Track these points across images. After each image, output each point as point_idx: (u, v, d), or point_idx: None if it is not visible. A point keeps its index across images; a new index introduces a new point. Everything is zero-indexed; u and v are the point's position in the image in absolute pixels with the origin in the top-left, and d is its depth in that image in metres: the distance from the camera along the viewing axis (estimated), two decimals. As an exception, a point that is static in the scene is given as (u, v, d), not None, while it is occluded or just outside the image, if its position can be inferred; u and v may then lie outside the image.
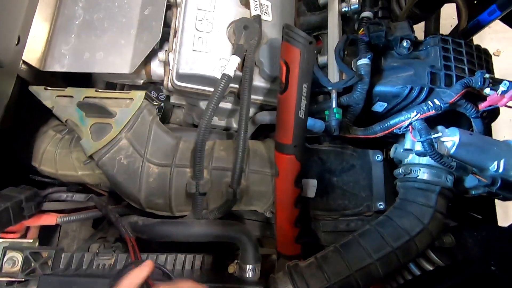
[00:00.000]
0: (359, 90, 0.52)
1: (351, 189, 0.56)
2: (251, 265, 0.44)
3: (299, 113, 0.39)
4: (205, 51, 0.46)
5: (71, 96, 0.50)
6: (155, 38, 0.52)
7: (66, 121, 0.49)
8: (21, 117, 0.55)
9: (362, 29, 0.57)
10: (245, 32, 0.46)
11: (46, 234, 0.60)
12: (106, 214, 0.52)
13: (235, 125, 0.62)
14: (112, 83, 0.64)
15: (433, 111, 0.47)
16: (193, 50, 0.46)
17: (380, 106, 0.56)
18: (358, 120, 0.58)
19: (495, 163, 0.44)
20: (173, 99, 0.62)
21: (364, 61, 0.51)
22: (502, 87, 0.43)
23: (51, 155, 0.59)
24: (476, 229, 0.50)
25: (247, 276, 0.44)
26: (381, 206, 0.56)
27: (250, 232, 0.46)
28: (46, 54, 0.55)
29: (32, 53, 0.52)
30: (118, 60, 0.54)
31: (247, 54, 0.46)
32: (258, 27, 0.47)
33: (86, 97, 0.50)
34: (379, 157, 0.58)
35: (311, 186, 0.52)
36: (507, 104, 0.45)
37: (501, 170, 0.44)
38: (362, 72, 0.51)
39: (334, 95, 0.52)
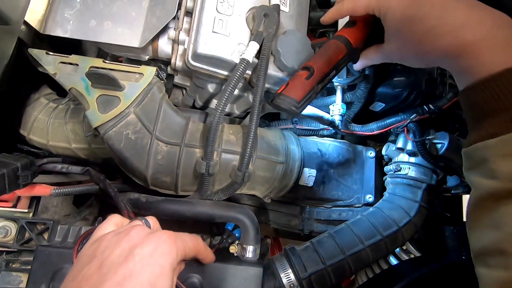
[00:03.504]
0: (362, 88, 0.55)
1: (345, 182, 0.59)
2: (252, 246, 0.46)
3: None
4: (224, 34, 0.46)
5: (76, 64, 0.48)
6: (170, 14, 0.51)
7: (69, 90, 0.47)
8: (13, 81, 0.52)
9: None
10: (265, 20, 0.47)
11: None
12: (104, 189, 0.51)
13: (236, 111, 0.63)
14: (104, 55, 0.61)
15: (428, 115, 0.52)
16: (213, 32, 0.46)
17: (378, 106, 0.60)
18: (355, 118, 0.61)
19: (477, 166, 0.50)
20: (177, 79, 0.61)
21: (370, 61, 0.54)
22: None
23: (43, 124, 0.57)
24: (453, 224, 0.55)
25: (248, 256, 0.46)
26: (370, 199, 0.60)
27: (252, 215, 0.47)
28: (47, 16, 0.51)
29: (32, 14, 0.49)
30: (128, 32, 0.52)
31: (264, 42, 0.46)
32: (277, 17, 0.48)
33: (92, 66, 0.48)
34: (372, 153, 0.62)
35: (311, 175, 0.54)
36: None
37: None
38: (367, 72, 0.54)
39: (340, 91, 0.55)
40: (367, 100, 0.57)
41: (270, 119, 0.65)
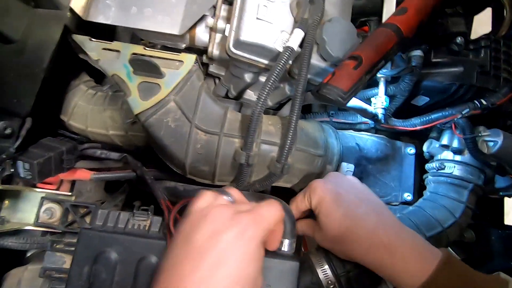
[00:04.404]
0: (406, 81, 0.52)
1: (383, 178, 0.57)
2: (288, 240, 0.45)
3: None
4: (268, 21, 0.45)
5: (118, 51, 0.48)
6: (210, 1, 0.50)
7: (112, 76, 0.48)
8: (56, 67, 0.53)
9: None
10: (310, 7, 0.45)
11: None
12: (141, 176, 0.51)
13: (270, 103, 0.61)
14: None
15: (479, 110, 0.48)
16: (257, 18, 0.44)
17: (421, 100, 0.57)
18: (394, 112, 0.58)
19: (533, 166, 0.46)
20: (212, 68, 0.61)
21: (417, 52, 0.51)
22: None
23: (82, 110, 0.58)
24: (499, 227, 0.52)
25: (284, 249, 0.45)
26: (409, 198, 0.57)
27: (289, 208, 0.46)
28: (90, 3, 0.52)
29: (76, 1, 0.49)
30: (168, 19, 0.51)
31: (309, 30, 0.45)
32: (322, 3, 0.46)
33: (133, 53, 0.48)
34: (412, 150, 0.59)
35: (349, 170, 0.53)
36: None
37: (538, 174, 0.46)
38: (414, 63, 0.51)
39: (383, 83, 0.52)
40: (410, 93, 0.54)
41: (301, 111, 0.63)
